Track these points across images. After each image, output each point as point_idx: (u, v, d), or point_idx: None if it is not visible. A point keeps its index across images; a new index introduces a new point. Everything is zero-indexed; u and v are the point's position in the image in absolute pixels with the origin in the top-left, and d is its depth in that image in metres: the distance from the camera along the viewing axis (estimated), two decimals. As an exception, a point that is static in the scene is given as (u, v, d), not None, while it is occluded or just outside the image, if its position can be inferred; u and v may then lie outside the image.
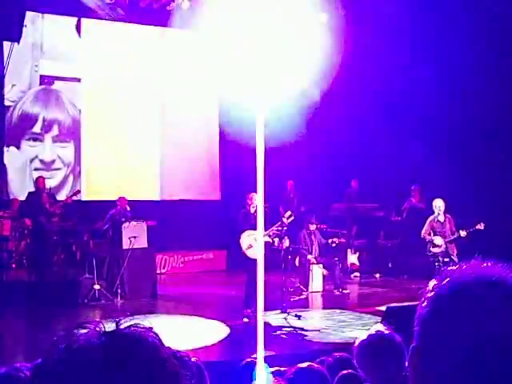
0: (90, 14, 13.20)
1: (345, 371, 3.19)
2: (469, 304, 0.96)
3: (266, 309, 9.30)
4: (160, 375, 0.94)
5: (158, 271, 11.78)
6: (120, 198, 11.64)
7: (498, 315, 0.94)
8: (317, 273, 11.11)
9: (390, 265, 12.98)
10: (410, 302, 8.09)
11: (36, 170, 13.09)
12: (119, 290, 10.10)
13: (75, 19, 13.48)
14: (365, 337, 2.92)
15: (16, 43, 12.18)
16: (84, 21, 13.55)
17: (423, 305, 1.02)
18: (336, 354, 3.89)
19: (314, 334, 8.06)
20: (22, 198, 11.79)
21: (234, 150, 14.61)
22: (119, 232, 10.36)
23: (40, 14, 13.05)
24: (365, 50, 13.02)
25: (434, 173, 12.04)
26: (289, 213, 9.43)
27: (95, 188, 13.60)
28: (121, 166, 13.82)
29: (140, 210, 11.74)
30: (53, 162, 13.40)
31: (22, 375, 1.93)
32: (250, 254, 8.99)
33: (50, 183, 12.50)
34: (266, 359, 6.56)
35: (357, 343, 2.90)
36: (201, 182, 14.70)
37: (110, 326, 0.98)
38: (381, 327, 2.93)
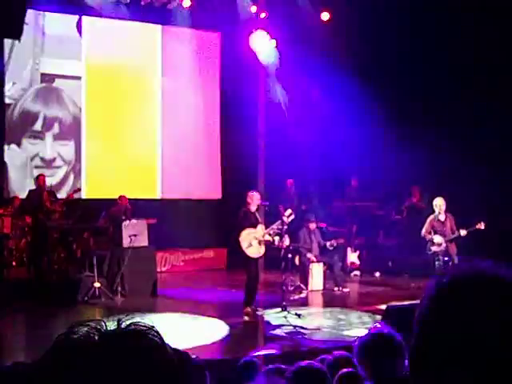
0: (91, 11, 13.19)
1: (345, 370, 3.20)
2: (468, 303, 0.96)
3: (266, 307, 9.34)
4: (161, 374, 0.94)
5: (159, 269, 11.78)
6: (121, 196, 11.66)
7: (498, 314, 0.95)
8: (317, 271, 11.12)
9: (390, 263, 12.99)
10: (410, 301, 8.10)
11: (37, 167, 13.09)
12: (119, 288, 10.11)
13: (76, 17, 13.47)
14: (365, 335, 2.92)
15: (17, 41, 12.17)
16: (85, 19, 13.54)
17: (423, 303, 1.02)
18: (336, 353, 3.90)
19: (313, 333, 8.07)
20: (23, 195, 11.79)
21: (235, 149, 14.62)
22: (120, 230, 10.36)
23: (41, 12, 13.05)
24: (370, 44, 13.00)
25: (433, 172, 12.05)
26: (289, 211, 9.43)
27: (96, 186, 13.60)
28: (121, 165, 13.82)
29: (141, 208, 11.76)
30: (53, 159, 13.40)
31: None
32: (249, 252, 9.00)
33: (50, 181, 12.51)
34: (266, 357, 6.57)
35: (357, 342, 2.90)
36: (202, 181, 14.70)
37: (111, 325, 0.98)
38: (381, 326, 2.93)
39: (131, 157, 13.96)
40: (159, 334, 0.98)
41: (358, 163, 13.36)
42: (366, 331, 2.93)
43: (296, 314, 8.85)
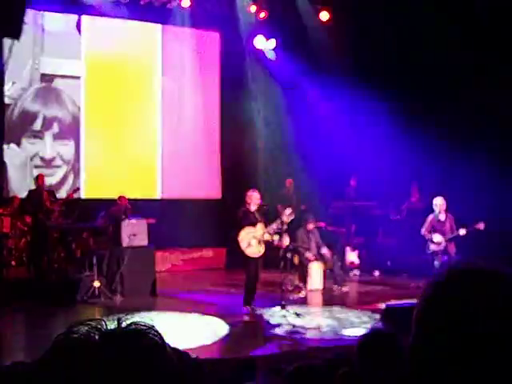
0: (91, 11, 13.19)
1: (344, 369, 3.20)
2: (465, 301, 0.97)
3: (266, 306, 9.34)
4: (161, 373, 0.94)
5: (158, 269, 11.77)
6: (120, 196, 11.66)
7: (495, 312, 0.95)
8: (316, 271, 11.13)
9: (389, 263, 12.99)
10: (409, 300, 8.12)
11: (36, 167, 13.09)
12: (119, 288, 10.11)
13: (76, 16, 13.46)
14: (364, 334, 2.93)
15: (16, 40, 12.17)
16: (84, 18, 13.53)
17: (420, 302, 1.02)
18: (335, 352, 3.90)
19: (313, 332, 8.07)
20: (23, 195, 11.79)
21: (234, 149, 14.63)
22: (119, 230, 10.37)
23: (40, 11, 13.04)
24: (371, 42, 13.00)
25: (433, 171, 12.05)
26: (289, 210, 9.43)
27: (95, 186, 13.60)
28: (121, 164, 13.82)
29: (140, 208, 11.76)
30: (53, 159, 13.40)
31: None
32: (249, 252, 9.00)
33: (50, 181, 12.51)
34: (265, 357, 6.58)
35: (356, 341, 2.91)
36: (201, 181, 14.69)
37: (111, 324, 0.98)
38: (380, 325, 2.93)
39: (131, 156, 13.96)
40: (159, 334, 0.98)
41: (357, 163, 13.36)
42: (365, 330, 2.94)
43: (295, 314, 8.85)
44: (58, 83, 13.50)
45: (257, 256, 9.07)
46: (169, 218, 13.06)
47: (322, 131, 14.03)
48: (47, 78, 13.37)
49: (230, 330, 8.05)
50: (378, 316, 8.56)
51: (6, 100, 12.91)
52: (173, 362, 0.97)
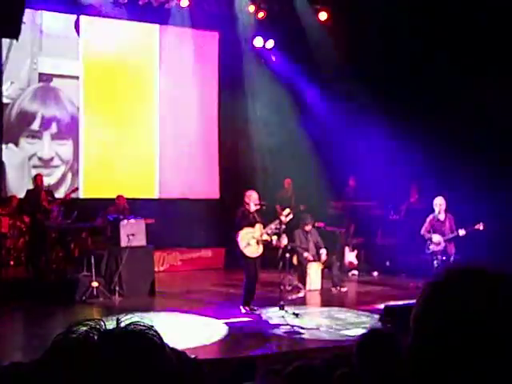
0: (89, 11, 13.18)
1: (343, 369, 3.20)
2: (463, 301, 0.97)
3: (265, 306, 9.34)
4: (160, 373, 0.94)
5: (156, 269, 11.78)
6: (119, 196, 11.67)
7: (494, 314, 0.95)
8: (314, 271, 11.13)
9: (387, 263, 13.00)
10: (408, 301, 8.12)
11: (34, 167, 13.08)
12: (117, 288, 10.09)
13: (74, 16, 13.45)
14: (363, 335, 2.93)
15: (15, 40, 12.15)
16: (83, 18, 13.52)
17: (418, 302, 1.02)
18: (334, 352, 3.90)
19: (311, 332, 8.06)
20: (21, 195, 11.78)
21: (233, 149, 14.63)
22: (117, 230, 10.36)
23: (39, 11, 13.03)
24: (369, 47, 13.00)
25: (432, 172, 12.05)
26: (287, 211, 9.44)
27: (94, 186, 13.60)
28: (119, 164, 13.82)
29: (138, 207, 11.75)
30: (51, 159, 13.39)
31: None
32: (248, 252, 9.00)
33: (48, 181, 12.49)
34: (264, 357, 6.58)
35: (355, 341, 2.91)
36: (200, 181, 14.69)
37: (109, 324, 0.98)
38: (379, 325, 2.94)
39: (129, 156, 13.95)
40: (158, 334, 0.98)
41: (356, 163, 13.37)
42: (364, 331, 2.94)
43: (294, 314, 8.85)
44: (56, 83, 13.49)
45: (255, 256, 9.07)
46: (167, 217, 13.05)
47: (321, 131, 14.04)
48: (45, 78, 13.35)
49: (229, 330, 8.05)
50: (376, 316, 8.56)
51: (5, 100, 12.90)
52: (172, 362, 0.97)
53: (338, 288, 10.99)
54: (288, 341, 7.73)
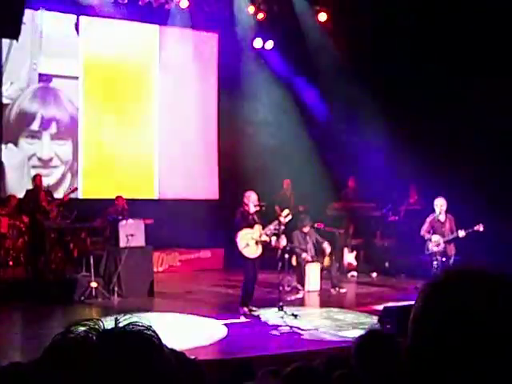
0: (89, 11, 13.19)
1: (342, 370, 3.20)
2: (462, 302, 0.97)
3: (263, 307, 9.34)
4: (159, 374, 0.94)
5: (155, 269, 11.77)
6: (118, 196, 11.66)
7: (493, 314, 0.95)
8: (313, 272, 11.12)
9: (386, 264, 12.99)
10: (407, 302, 8.11)
11: (34, 167, 13.08)
12: (116, 288, 10.09)
13: (74, 17, 13.46)
14: (361, 336, 2.93)
15: (15, 41, 12.15)
16: (83, 18, 13.53)
17: (417, 303, 1.03)
18: (333, 353, 3.90)
19: (310, 333, 8.06)
20: (20, 195, 11.78)
21: (232, 150, 14.62)
22: (116, 230, 10.36)
23: (39, 12, 13.03)
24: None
25: (432, 173, 12.05)
26: (286, 211, 9.44)
27: (93, 186, 13.60)
28: (118, 165, 13.82)
29: (138, 208, 11.75)
30: (51, 159, 13.39)
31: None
32: (247, 252, 9.00)
33: (47, 181, 12.49)
34: (263, 358, 6.58)
35: (354, 342, 2.90)
36: (199, 181, 14.69)
37: (108, 324, 0.98)
38: (378, 326, 2.94)
39: (128, 157, 13.96)
40: (156, 334, 0.98)
41: (355, 164, 13.37)
42: (363, 331, 2.94)
43: (293, 315, 8.84)
44: (56, 83, 13.49)
45: (254, 257, 9.07)
46: (166, 218, 13.04)
47: (320, 132, 14.04)
48: (45, 78, 13.35)
49: (228, 331, 8.05)
50: (375, 317, 8.56)
51: (4, 100, 12.90)
52: (170, 362, 0.97)
53: (337, 289, 10.99)
54: (287, 342, 7.72)
